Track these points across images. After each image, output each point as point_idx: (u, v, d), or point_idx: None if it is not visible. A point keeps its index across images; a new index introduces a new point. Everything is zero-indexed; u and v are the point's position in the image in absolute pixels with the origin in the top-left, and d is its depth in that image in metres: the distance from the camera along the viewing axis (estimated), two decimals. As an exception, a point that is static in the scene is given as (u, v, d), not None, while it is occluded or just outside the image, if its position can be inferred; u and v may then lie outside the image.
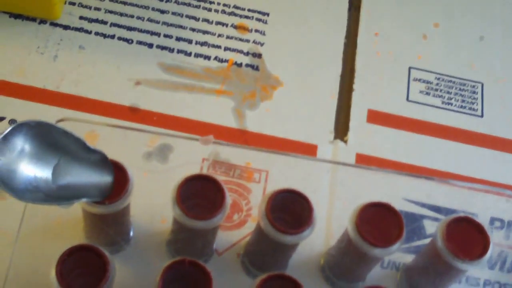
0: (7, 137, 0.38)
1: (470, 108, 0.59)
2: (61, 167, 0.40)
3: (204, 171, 0.52)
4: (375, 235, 0.43)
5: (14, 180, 0.38)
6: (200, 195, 0.44)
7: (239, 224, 0.50)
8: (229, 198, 0.43)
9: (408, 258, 0.50)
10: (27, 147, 0.39)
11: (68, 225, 0.48)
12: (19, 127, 0.38)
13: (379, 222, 0.44)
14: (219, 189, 0.43)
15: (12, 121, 0.52)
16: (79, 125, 0.52)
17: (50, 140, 0.40)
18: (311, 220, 0.43)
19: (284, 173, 0.53)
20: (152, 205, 0.49)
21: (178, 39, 0.58)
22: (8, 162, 0.38)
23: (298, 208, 0.44)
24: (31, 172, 0.39)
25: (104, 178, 0.41)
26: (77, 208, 0.47)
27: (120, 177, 0.42)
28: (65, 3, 0.58)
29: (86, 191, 0.41)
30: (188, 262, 0.40)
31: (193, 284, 0.41)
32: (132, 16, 0.59)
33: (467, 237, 0.44)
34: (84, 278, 0.41)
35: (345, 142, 0.55)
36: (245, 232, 0.50)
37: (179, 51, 0.57)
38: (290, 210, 0.44)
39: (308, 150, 0.54)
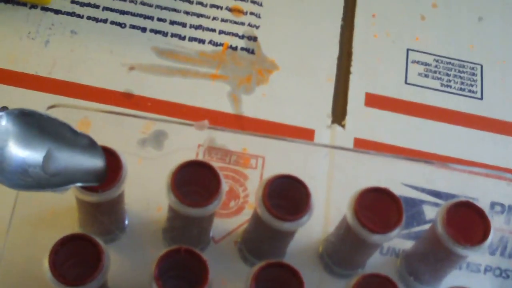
0: None
1: (469, 91, 0.58)
2: (51, 154, 0.40)
3: (200, 157, 0.51)
4: (374, 221, 0.42)
5: (4, 170, 0.37)
6: (195, 181, 0.43)
7: (236, 211, 0.49)
8: (225, 185, 0.42)
9: (408, 244, 0.49)
10: (13, 136, 0.38)
11: (62, 215, 0.47)
12: (1, 117, 0.38)
13: (378, 208, 0.43)
14: (215, 175, 0.42)
15: (3, 108, 0.51)
16: (71, 111, 0.51)
17: (37, 128, 0.39)
18: (309, 206, 0.42)
19: (281, 159, 0.52)
20: (147, 192, 0.49)
21: (172, 22, 0.57)
22: None
23: (296, 194, 0.43)
24: (21, 161, 0.38)
25: (96, 161, 0.40)
26: (71, 197, 0.46)
27: (113, 164, 0.41)
28: (56, -13, 0.57)
29: (79, 176, 0.40)
30: (184, 250, 0.40)
31: (190, 273, 0.40)
32: (124, 0, 0.57)
33: (467, 222, 0.43)
34: (78, 268, 0.40)
35: (343, 126, 0.54)
36: (243, 219, 0.49)
37: (173, 35, 0.56)
38: (288, 196, 0.43)
39: (305, 134, 0.54)
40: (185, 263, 0.40)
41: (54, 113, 0.49)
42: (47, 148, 0.40)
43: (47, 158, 0.39)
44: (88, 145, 0.40)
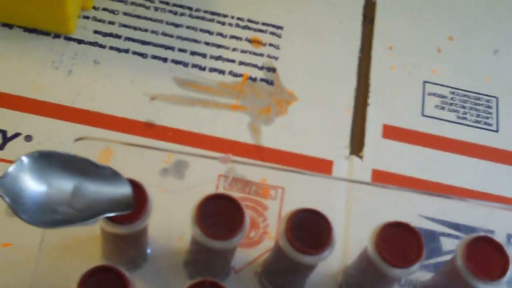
0: (11, 174, 0.38)
1: (485, 123, 0.59)
2: (78, 190, 0.40)
3: (220, 188, 0.51)
4: (395, 255, 0.43)
5: (29, 210, 0.38)
6: (219, 214, 0.43)
7: (256, 242, 0.50)
8: (248, 218, 0.43)
9: (425, 276, 0.50)
10: (35, 178, 0.39)
11: (85, 244, 0.48)
12: (21, 161, 0.39)
13: (399, 242, 0.43)
14: (239, 208, 0.43)
15: (27, 137, 0.52)
16: (96, 143, 0.52)
17: (58, 167, 0.40)
18: (331, 240, 0.42)
19: (300, 190, 0.53)
20: (169, 222, 0.49)
21: (193, 53, 0.58)
22: (17, 196, 0.38)
23: (317, 228, 0.43)
24: (47, 201, 0.39)
25: (122, 189, 0.41)
26: (95, 227, 0.47)
27: (138, 197, 0.42)
28: (79, 17, 0.58)
29: (108, 206, 0.41)
30: (208, 283, 0.40)
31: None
32: (146, 30, 0.58)
33: (486, 256, 0.44)
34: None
35: (361, 157, 0.55)
36: (262, 249, 0.50)
37: (193, 66, 0.57)
38: (309, 229, 0.43)
39: (323, 166, 0.54)
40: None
41: (80, 145, 0.50)
42: (72, 185, 0.40)
43: (74, 195, 0.40)
44: (111, 175, 0.41)
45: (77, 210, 0.40)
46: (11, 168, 0.38)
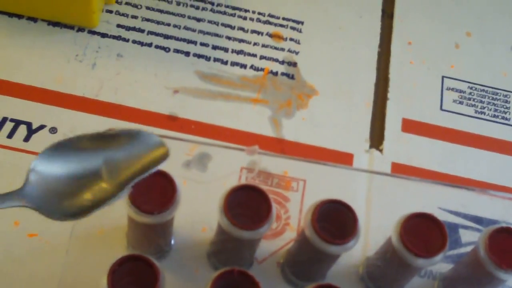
0: (31, 181, 0.39)
1: (502, 118, 0.59)
2: (109, 164, 0.40)
3: (243, 180, 0.52)
4: (419, 245, 0.43)
5: (59, 210, 0.39)
6: (246, 204, 0.44)
7: (278, 233, 0.51)
8: (275, 209, 0.43)
9: (445, 267, 0.51)
10: (56, 175, 0.39)
11: (111, 234, 0.49)
12: (39, 161, 0.39)
13: (423, 233, 0.44)
14: (266, 199, 0.43)
15: (52, 129, 0.52)
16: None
17: (75, 151, 0.40)
18: (356, 230, 0.43)
19: (321, 182, 0.53)
20: (193, 213, 0.50)
21: (214, 47, 0.58)
22: (43, 199, 0.39)
23: (342, 218, 0.44)
24: (75, 190, 0.40)
25: (151, 142, 0.41)
26: (118, 216, 0.48)
27: (167, 187, 0.43)
28: (103, 11, 0.59)
29: (145, 165, 0.40)
30: (237, 272, 0.41)
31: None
32: (168, 25, 0.59)
33: (508, 247, 0.44)
34: (135, 287, 0.41)
35: (381, 151, 0.56)
36: (284, 241, 0.51)
37: (215, 60, 0.58)
38: (334, 219, 0.44)
39: (344, 159, 0.55)
40: (238, 284, 0.41)
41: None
42: (100, 161, 0.40)
43: (106, 169, 0.40)
44: (129, 135, 0.41)
45: (118, 180, 0.40)
46: (31, 175, 0.38)
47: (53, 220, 0.38)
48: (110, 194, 0.40)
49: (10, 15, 0.57)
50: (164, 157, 0.41)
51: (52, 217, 0.38)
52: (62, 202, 0.39)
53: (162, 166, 0.44)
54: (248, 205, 0.44)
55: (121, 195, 0.40)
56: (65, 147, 0.40)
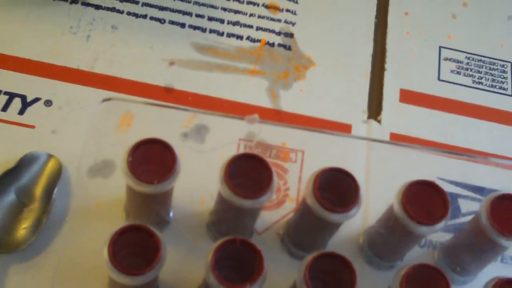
0: None
1: (500, 87, 0.59)
2: (21, 193, 0.47)
3: (241, 151, 0.52)
4: (421, 213, 0.43)
5: None
6: (246, 174, 0.44)
7: (278, 204, 0.50)
8: (276, 177, 0.43)
9: (444, 237, 0.51)
10: None
11: (109, 207, 0.48)
12: None
13: (424, 200, 0.44)
14: (266, 168, 0.43)
15: (47, 102, 0.52)
16: (114, 105, 0.52)
17: None
18: (358, 198, 0.43)
19: (320, 152, 0.53)
20: (191, 185, 0.49)
21: (210, 18, 0.58)
22: None
23: (343, 187, 0.44)
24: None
25: (40, 158, 0.49)
26: (114, 189, 0.47)
27: (167, 157, 0.42)
28: (96, -18, 0.58)
29: (50, 174, 0.49)
30: (239, 240, 0.41)
31: (244, 263, 0.41)
32: (163, -5, 0.58)
33: (510, 214, 0.44)
34: (135, 257, 0.41)
35: (379, 121, 0.55)
36: (284, 212, 0.50)
37: (211, 31, 0.57)
38: (335, 188, 0.44)
39: (342, 129, 0.55)
40: (239, 253, 0.41)
41: (106, 106, 0.50)
42: (12, 195, 0.47)
43: (20, 194, 0.47)
44: (22, 162, 0.48)
45: (36, 201, 0.47)
46: None
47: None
48: (41, 209, 0.46)
49: (2, -13, 0.56)
50: (58, 165, 0.48)
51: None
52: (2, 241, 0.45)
53: (161, 137, 0.43)
54: (249, 174, 0.44)
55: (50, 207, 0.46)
56: None
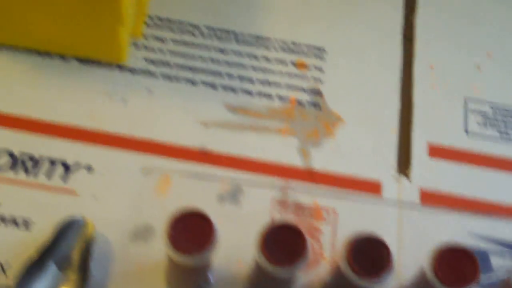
0: None
1: (527, 139, 0.60)
2: (60, 263, 0.48)
3: (275, 213, 0.53)
4: (451, 279, 0.44)
5: None
6: (281, 241, 0.45)
7: (312, 265, 0.52)
8: (310, 245, 0.44)
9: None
10: None
11: (150, 273, 0.50)
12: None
13: (455, 265, 0.45)
14: (300, 236, 0.44)
15: (88, 168, 0.54)
16: (159, 168, 0.54)
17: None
18: (391, 265, 0.44)
19: (352, 212, 0.54)
20: (228, 248, 0.51)
21: (241, 78, 0.60)
22: None
23: (376, 253, 0.45)
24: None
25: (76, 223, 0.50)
26: (156, 255, 0.49)
27: (205, 228, 0.44)
28: (130, 45, 0.60)
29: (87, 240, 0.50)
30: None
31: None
32: (195, 57, 0.60)
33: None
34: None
35: (408, 177, 0.57)
36: (319, 272, 0.52)
37: (242, 91, 0.59)
38: (368, 254, 0.45)
39: (373, 187, 0.56)
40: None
41: (145, 171, 0.52)
42: (53, 267, 0.48)
43: (59, 265, 0.48)
44: (58, 231, 0.49)
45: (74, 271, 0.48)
46: None
47: None
48: (79, 277, 0.48)
49: (41, 53, 0.59)
50: (92, 229, 0.50)
51: None
52: None
53: (198, 204, 0.45)
54: (284, 241, 0.45)
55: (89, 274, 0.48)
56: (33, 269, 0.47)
